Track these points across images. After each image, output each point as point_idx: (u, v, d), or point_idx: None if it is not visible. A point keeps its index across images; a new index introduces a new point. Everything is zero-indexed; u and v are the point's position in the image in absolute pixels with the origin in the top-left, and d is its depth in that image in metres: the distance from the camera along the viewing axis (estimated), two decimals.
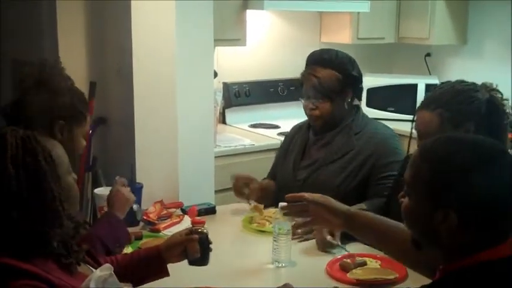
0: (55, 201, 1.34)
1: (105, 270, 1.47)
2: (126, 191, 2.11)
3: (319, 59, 2.49)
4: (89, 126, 2.02)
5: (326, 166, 2.45)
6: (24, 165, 1.31)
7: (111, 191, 2.11)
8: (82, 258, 1.44)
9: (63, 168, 1.42)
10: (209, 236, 1.84)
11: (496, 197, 1.28)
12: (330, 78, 2.43)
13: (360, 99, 2.56)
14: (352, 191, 2.37)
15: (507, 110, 1.98)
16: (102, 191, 2.29)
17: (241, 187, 2.51)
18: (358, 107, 2.56)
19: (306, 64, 2.53)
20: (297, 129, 2.68)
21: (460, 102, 1.93)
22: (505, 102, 1.99)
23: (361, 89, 2.54)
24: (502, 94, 2.00)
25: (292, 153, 2.59)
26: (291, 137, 2.68)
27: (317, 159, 2.49)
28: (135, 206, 2.17)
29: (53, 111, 1.89)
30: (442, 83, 2.09)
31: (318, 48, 4.35)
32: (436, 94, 1.99)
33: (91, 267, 1.55)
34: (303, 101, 2.52)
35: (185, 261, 1.85)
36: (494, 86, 2.01)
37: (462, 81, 2.03)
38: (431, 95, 2.01)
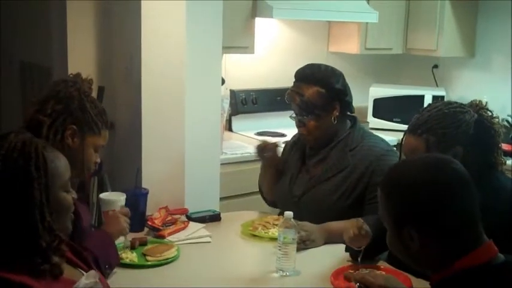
0: (34, 209, 1.33)
1: (90, 278, 1.47)
2: (124, 220, 2.10)
3: (302, 75, 2.43)
4: (105, 142, 2.02)
5: (321, 184, 2.40)
6: (14, 166, 1.33)
7: (111, 213, 2.12)
8: (58, 273, 1.40)
9: (57, 181, 1.41)
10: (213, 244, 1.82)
11: (449, 207, 1.37)
12: (313, 96, 2.37)
13: (350, 111, 2.49)
14: (347, 208, 2.32)
15: (497, 128, 1.96)
16: (108, 195, 2.29)
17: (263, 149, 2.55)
18: (355, 120, 2.50)
19: (294, 81, 2.47)
20: (297, 139, 2.62)
21: (447, 127, 1.91)
22: (495, 120, 1.97)
23: (349, 101, 2.45)
24: (491, 112, 1.98)
25: (290, 165, 2.56)
26: (290, 148, 2.64)
27: (313, 176, 2.45)
28: None
29: (67, 114, 1.90)
30: (430, 105, 2.06)
31: (326, 58, 4.42)
32: (423, 118, 1.96)
33: (82, 271, 1.54)
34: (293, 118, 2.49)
35: (187, 270, 1.85)
36: (484, 104, 1.99)
37: (449, 103, 2.00)
38: (418, 119, 1.98)
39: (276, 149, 2.56)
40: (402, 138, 2.04)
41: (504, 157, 2.05)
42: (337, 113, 2.41)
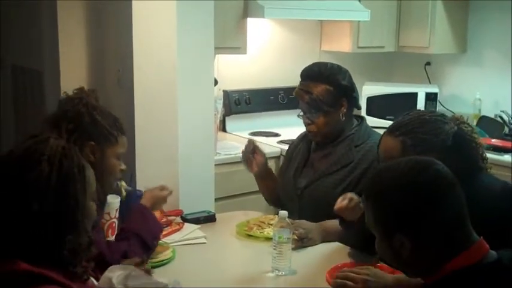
0: (77, 209, 1.38)
1: (124, 269, 1.52)
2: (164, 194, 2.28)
3: (309, 74, 2.48)
4: (125, 148, 2.03)
5: (325, 177, 2.44)
6: (59, 167, 1.37)
7: (151, 189, 2.26)
8: (86, 276, 1.45)
9: (90, 188, 1.46)
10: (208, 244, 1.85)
11: (437, 210, 1.37)
12: (321, 93, 2.42)
13: (357, 107, 2.55)
14: None
15: (477, 141, 1.96)
16: None
17: (249, 152, 2.57)
18: (362, 118, 2.55)
19: (300, 80, 2.52)
20: (302, 137, 2.67)
21: (426, 133, 1.91)
22: (475, 135, 1.97)
23: (356, 97, 2.51)
24: (472, 127, 1.99)
25: (295, 159, 2.59)
26: (296, 144, 2.69)
27: (317, 170, 2.49)
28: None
29: (81, 132, 1.90)
30: (413, 110, 2.07)
31: (318, 57, 4.42)
32: (403, 121, 1.97)
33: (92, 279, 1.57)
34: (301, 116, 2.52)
35: (183, 272, 1.84)
36: (465, 119, 2.00)
37: (432, 111, 2.03)
38: (399, 121, 1.99)
39: (258, 150, 2.59)
40: (380, 139, 2.04)
41: (498, 153, 2.05)
42: (345, 110, 2.45)
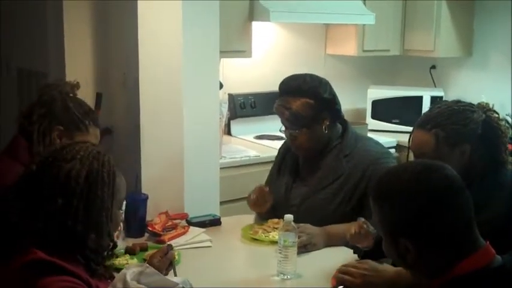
0: (102, 211, 1.42)
1: (138, 267, 1.54)
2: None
3: (288, 88, 2.37)
4: (96, 140, 2.03)
5: (318, 193, 2.37)
6: (89, 167, 1.42)
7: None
8: (107, 276, 1.50)
9: (118, 196, 1.49)
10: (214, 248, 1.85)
11: (444, 216, 1.36)
12: (301, 108, 2.32)
13: (340, 117, 2.44)
14: (348, 214, 2.28)
15: (503, 129, 1.97)
16: None
17: (259, 201, 2.46)
18: (346, 126, 2.45)
19: (278, 94, 2.43)
20: (289, 145, 2.55)
21: (456, 123, 1.92)
22: (502, 122, 1.98)
23: (338, 109, 2.41)
24: (498, 114, 1.99)
25: (284, 172, 2.52)
26: (282, 154, 2.60)
27: (308, 185, 2.42)
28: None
29: (52, 117, 1.92)
30: (438, 102, 2.08)
31: (323, 60, 4.42)
32: (432, 114, 1.98)
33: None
34: (283, 131, 2.45)
35: (188, 275, 1.84)
36: (491, 106, 2.00)
37: (458, 101, 2.02)
38: (427, 115, 1.99)
39: (266, 195, 2.45)
40: (410, 135, 2.04)
41: None
42: (328, 122, 2.37)
